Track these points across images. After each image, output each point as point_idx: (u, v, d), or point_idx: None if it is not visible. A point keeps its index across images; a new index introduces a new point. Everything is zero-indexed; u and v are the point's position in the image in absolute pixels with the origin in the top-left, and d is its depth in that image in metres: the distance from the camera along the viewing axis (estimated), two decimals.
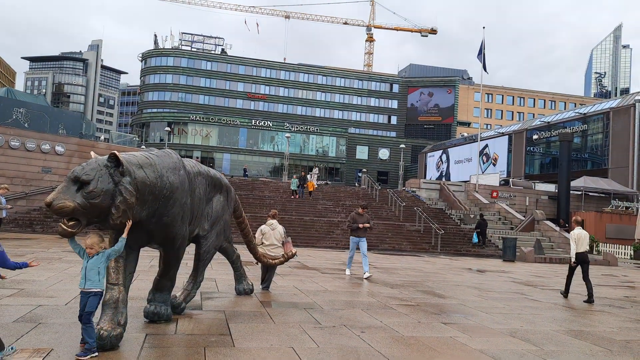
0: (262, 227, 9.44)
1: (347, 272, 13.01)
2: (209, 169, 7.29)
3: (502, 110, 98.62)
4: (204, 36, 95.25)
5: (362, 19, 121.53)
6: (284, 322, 6.73)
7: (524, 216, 32.29)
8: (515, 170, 54.31)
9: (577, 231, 11.34)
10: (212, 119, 78.45)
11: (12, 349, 4.64)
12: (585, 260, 11.24)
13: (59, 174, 24.26)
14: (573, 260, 11.22)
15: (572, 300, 10.98)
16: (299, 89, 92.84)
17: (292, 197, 31.50)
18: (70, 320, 6.04)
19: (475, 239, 26.66)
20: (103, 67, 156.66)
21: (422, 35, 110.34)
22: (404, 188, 40.08)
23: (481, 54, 37.40)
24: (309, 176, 35.87)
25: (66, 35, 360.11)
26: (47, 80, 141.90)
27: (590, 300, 10.76)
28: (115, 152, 4.97)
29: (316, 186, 34.66)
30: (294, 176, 33.59)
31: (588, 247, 11.51)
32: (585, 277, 11.13)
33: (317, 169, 39.62)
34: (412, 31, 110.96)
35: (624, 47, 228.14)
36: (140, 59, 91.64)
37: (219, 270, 11.41)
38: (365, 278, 12.26)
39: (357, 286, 10.90)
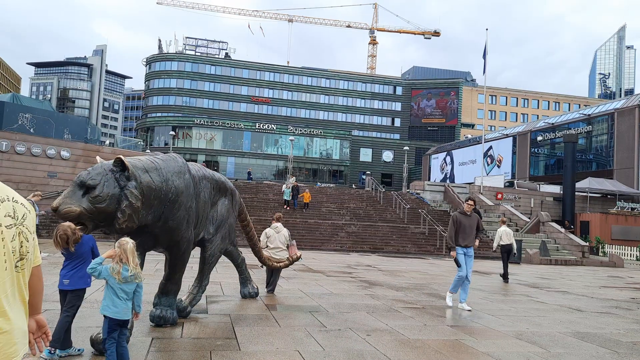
0: (267, 230, 9.46)
1: (450, 301, 9.24)
2: (214, 172, 7.32)
3: (506, 112, 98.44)
4: (207, 40, 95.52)
5: (365, 21, 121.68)
6: (289, 326, 6.73)
7: (529, 218, 32.19)
8: (520, 171, 54.15)
9: (503, 228, 15.26)
10: (216, 122, 78.61)
11: (78, 350, 4.80)
12: (508, 250, 14.93)
13: (65, 179, 24.37)
14: (494, 249, 15.81)
15: (579, 301, 10.94)
16: (302, 92, 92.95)
17: (285, 207, 29.03)
18: (76, 325, 6.06)
19: None
20: (108, 72, 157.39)
21: (425, 38, 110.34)
22: (408, 190, 40.03)
23: (484, 56, 37.36)
24: (284, 186, 32.05)
25: (71, 41, 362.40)
26: (52, 86, 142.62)
27: (505, 280, 14.35)
28: (121, 156, 5.00)
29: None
30: (287, 185, 30.76)
31: (513, 241, 15.13)
32: (506, 263, 14.72)
33: (294, 178, 35.20)
34: (415, 34, 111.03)
35: (628, 47, 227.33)
36: (145, 63, 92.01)
37: (224, 273, 11.43)
38: (465, 309, 8.85)
39: (363, 289, 10.88)
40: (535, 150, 53.52)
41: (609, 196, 38.81)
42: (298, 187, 30.68)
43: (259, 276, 10.76)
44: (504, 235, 14.99)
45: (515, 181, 44.60)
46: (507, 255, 14.85)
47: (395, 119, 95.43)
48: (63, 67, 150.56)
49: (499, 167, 58.17)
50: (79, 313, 6.72)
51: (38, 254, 2.24)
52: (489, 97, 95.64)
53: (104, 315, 4.41)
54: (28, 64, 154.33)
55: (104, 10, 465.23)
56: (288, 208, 29.16)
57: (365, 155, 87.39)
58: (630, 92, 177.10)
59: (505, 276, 14.39)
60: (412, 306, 8.94)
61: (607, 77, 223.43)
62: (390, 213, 31.20)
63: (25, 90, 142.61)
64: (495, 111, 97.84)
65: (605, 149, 45.12)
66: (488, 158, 59.59)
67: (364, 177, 63.68)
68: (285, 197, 30.02)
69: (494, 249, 16.09)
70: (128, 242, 4.42)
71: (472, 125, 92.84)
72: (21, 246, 1.97)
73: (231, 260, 8.52)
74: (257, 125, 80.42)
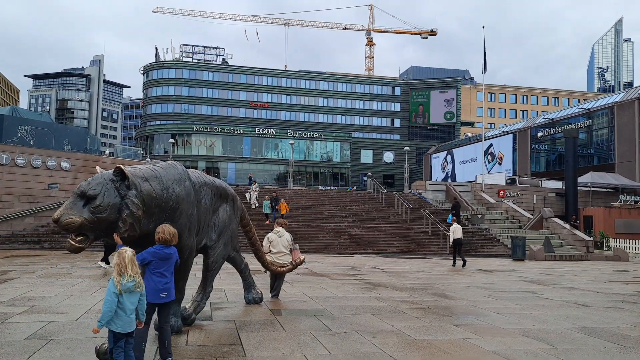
0: (269, 235, 9.43)
1: None
2: (214, 179, 7.30)
3: (505, 109, 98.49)
4: (204, 47, 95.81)
5: (362, 23, 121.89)
6: (294, 330, 6.70)
7: (532, 214, 32.13)
8: (521, 168, 54.12)
9: (455, 225, 18.89)
10: (215, 129, 78.70)
11: None
12: (460, 243, 18.60)
13: (65, 190, 24.38)
14: (451, 243, 19.13)
15: (584, 296, 10.90)
16: (301, 96, 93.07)
17: (267, 222, 26.29)
18: (81, 335, 6.05)
19: (450, 220, 28.21)
20: (105, 81, 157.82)
21: (422, 37, 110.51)
22: (409, 190, 39.97)
23: (484, 54, 37.41)
24: (248, 195, 30.19)
25: (68, 52, 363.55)
26: (51, 97, 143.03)
27: (463, 265, 18.04)
28: (121, 165, 4.99)
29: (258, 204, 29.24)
30: (266, 197, 28.33)
31: (461, 235, 18.72)
32: (459, 252, 18.57)
33: (256, 184, 31.97)
34: (411, 33, 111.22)
35: (626, 40, 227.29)
36: (142, 72, 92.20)
37: (227, 280, 11.41)
38: None
39: (367, 291, 10.86)
40: (536, 146, 53.49)
41: (611, 190, 38.74)
42: (277, 197, 28.02)
43: (263, 281, 10.73)
44: (456, 231, 18.70)
45: (516, 178, 44.55)
46: (459, 246, 18.72)
47: (395, 120, 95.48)
48: (61, 78, 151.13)
49: (500, 164, 58.14)
50: (85, 323, 6.71)
51: None
52: (488, 94, 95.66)
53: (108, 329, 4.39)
54: (26, 76, 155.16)
55: (101, 21, 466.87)
56: (268, 222, 26.16)
57: (366, 156, 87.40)
58: (629, 85, 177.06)
59: (455, 261, 18.63)
60: (417, 307, 8.91)
61: (605, 71, 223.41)
62: (392, 214, 31.15)
63: (24, 103, 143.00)
64: (494, 108, 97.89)
65: (606, 142, 45.08)
66: (489, 156, 59.57)
67: (365, 178, 63.70)
68: (265, 210, 27.18)
69: (450, 243, 19.49)
70: (127, 251, 4.40)
71: (471, 124, 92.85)
72: None
73: (234, 267, 8.50)
74: (256, 130, 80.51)
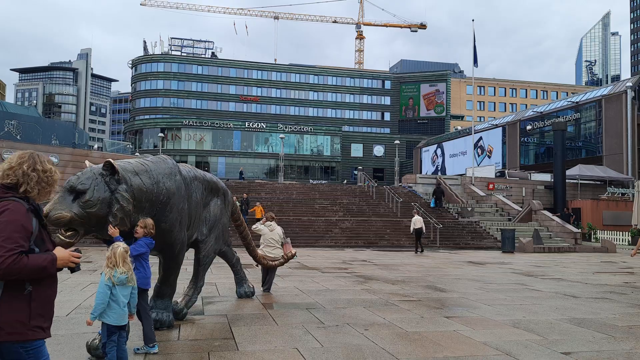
0: (262, 227, 9.42)
1: None
2: (205, 173, 7.26)
3: (494, 102, 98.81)
4: (193, 40, 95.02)
5: (352, 16, 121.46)
6: (286, 324, 6.71)
7: (521, 207, 32.37)
8: (511, 161, 54.44)
9: (416, 217, 21.60)
10: (205, 123, 78.27)
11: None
12: (419, 232, 21.13)
13: None
14: (411, 232, 21.76)
15: (573, 288, 11.01)
16: (291, 90, 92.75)
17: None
18: (72, 331, 6.01)
19: (432, 204, 30.65)
20: (93, 75, 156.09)
21: (411, 31, 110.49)
22: (400, 184, 40.07)
23: (474, 47, 37.49)
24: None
25: (55, 46, 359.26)
26: (38, 91, 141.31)
27: (421, 251, 21.02)
28: (111, 160, 4.94)
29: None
30: (234, 197, 26.89)
31: (422, 225, 21.42)
32: (419, 240, 21.21)
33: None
34: (401, 27, 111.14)
35: (613, 34, 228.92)
36: (130, 65, 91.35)
37: (219, 274, 11.39)
38: None
39: (359, 284, 10.89)
40: (525, 139, 53.82)
41: (599, 182, 39.11)
42: (248, 199, 26.35)
43: (254, 275, 10.72)
44: (417, 222, 21.13)
45: (506, 171, 44.81)
46: (419, 235, 21.18)
47: (385, 113, 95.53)
48: (48, 72, 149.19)
49: (489, 157, 58.45)
50: (75, 318, 6.67)
51: None
52: (478, 88, 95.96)
53: (102, 322, 4.39)
54: (12, 70, 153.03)
55: (88, 14, 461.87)
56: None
57: (357, 150, 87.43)
58: (616, 79, 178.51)
59: (418, 249, 21.19)
60: (408, 299, 8.95)
61: (593, 64, 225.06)
62: (383, 207, 31.23)
63: (10, 97, 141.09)
64: (484, 102, 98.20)
65: (594, 135, 45.46)
66: (478, 149, 59.84)
67: (355, 172, 63.76)
68: None
69: (410, 232, 22.04)
70: (119, 246, 4.43)
71: (461, 117, 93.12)
72: None
73: (226, 261, 8.48)
74: (246, 124, 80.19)
